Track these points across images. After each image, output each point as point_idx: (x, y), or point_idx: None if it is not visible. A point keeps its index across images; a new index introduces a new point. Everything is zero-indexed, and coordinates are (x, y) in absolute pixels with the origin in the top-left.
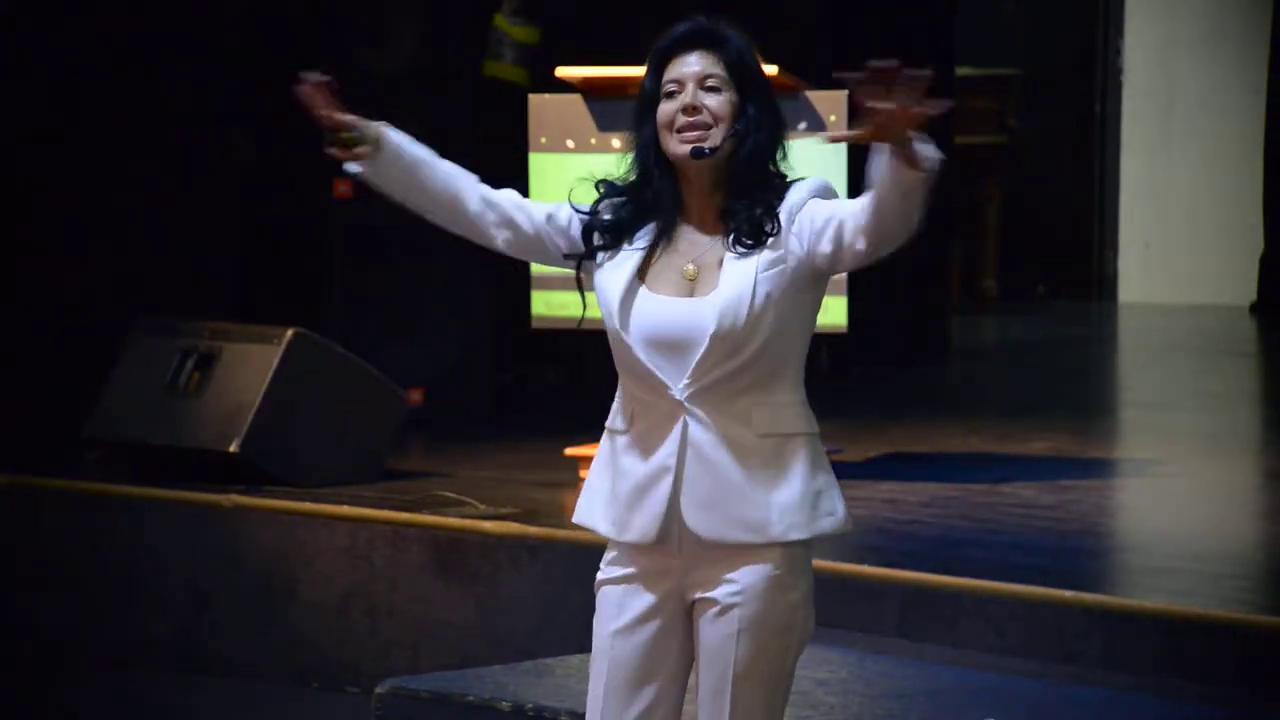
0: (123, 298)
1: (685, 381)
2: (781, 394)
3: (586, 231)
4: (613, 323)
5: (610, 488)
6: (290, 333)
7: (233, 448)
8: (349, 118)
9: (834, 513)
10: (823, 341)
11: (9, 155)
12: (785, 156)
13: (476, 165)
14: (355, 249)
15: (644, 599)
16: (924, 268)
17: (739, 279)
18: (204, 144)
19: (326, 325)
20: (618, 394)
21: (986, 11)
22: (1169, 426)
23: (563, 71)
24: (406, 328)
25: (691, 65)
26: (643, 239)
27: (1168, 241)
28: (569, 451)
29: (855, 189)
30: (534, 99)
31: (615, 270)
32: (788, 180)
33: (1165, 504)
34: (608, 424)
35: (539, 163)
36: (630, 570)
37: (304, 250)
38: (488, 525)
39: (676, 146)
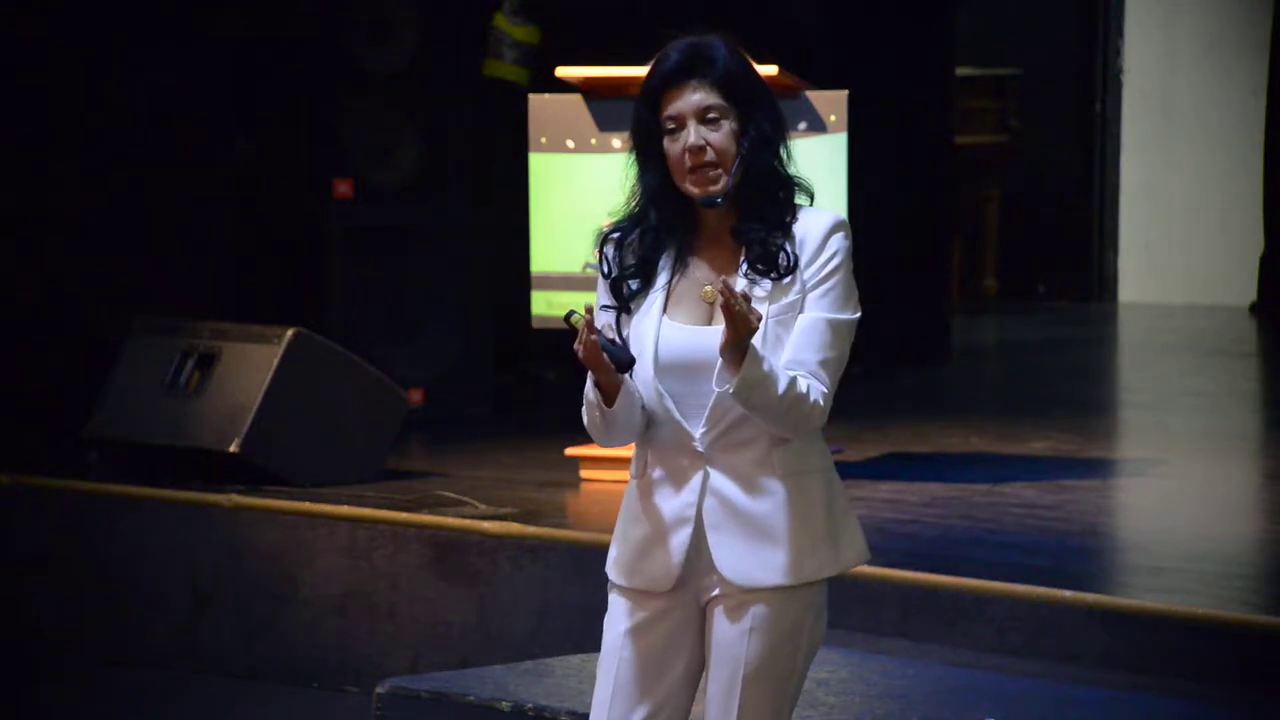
0: (123, 298)
1: (703, 430)
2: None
3: (616, 285)
4: (647, 370)
5: (625, 532)
6: (290, 333)
7: (233, 448)
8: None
9: (855, 545)
10: None
11: (8, 155)
12: (790, 159)
13: (476, 165)
14: (355, 249)
15: (658, 601)
16: (924, 268)
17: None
18: (204, 144)
19: (326, 325)
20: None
21: (986, 11)
22: (1169, 426)
23: (563, 71)
24: (406, 328)
25: (688, 99)
26: (665, 269)
27: (1168, 241)
28: (569, 451)
29: (856, 188)
30: (534, 99)
31: (646, 313)
32: (794, 191)
33: (1165, 504)
34: (630, 469)
35: (539, 163)
36: None
37: (304, 250)
38: (488, 525)
39: (689, 189)
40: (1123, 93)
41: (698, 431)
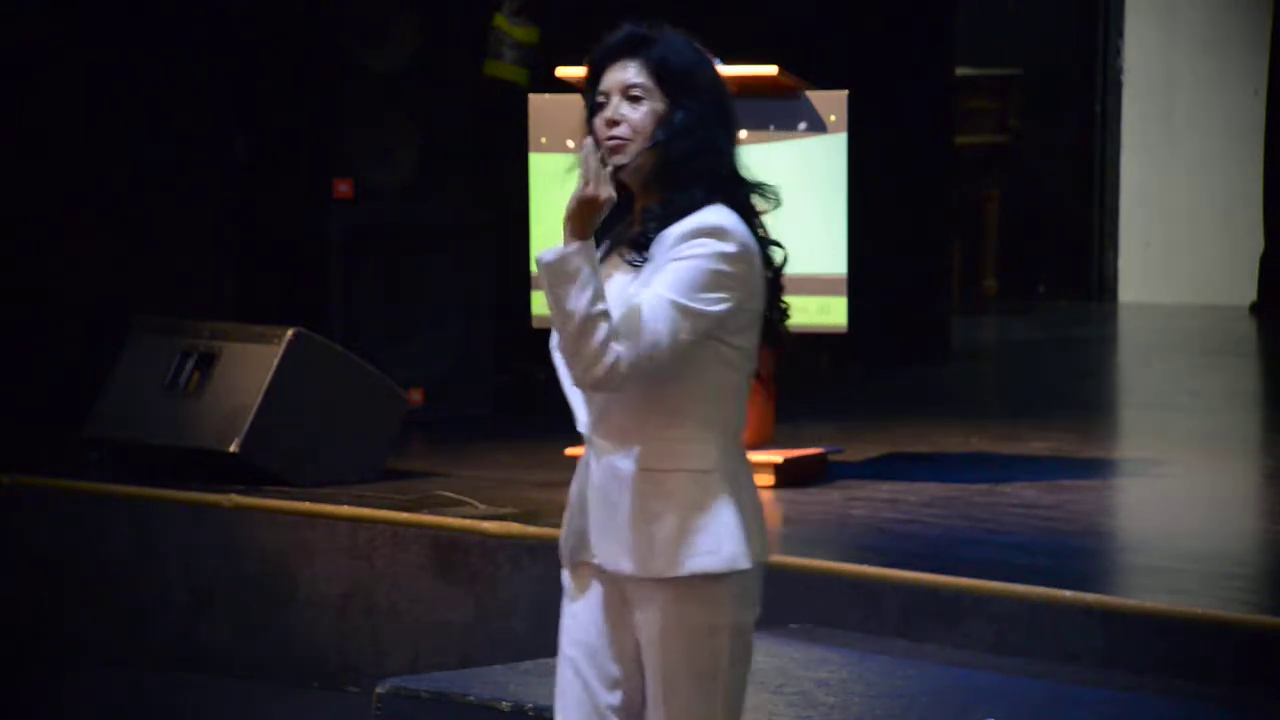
0: (123, 298)
1: (587, 413)
2: (678, 430)
3: None
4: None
5: None
6: (290, 333)
7: (233, 448)
8: None
9: (714, 551)
10: (822, 341)
11: (8, 155)
12: (727, 161)
13: (476, 165)
14: (355, 249)
15: (581, 576)
16: (924, 268)
17: (611, 302)
18: (204, 143)
19: (326, 325)
20: None
21: (986, 11)
22: (1169, 426)
23: (563, 71)
24: (406, 328)
25: (616, 75)
26: (602, 250)
27: (1168, 241)
28: (569, 451)
29: (856, 189)
30: (534, 99)
31: None
32: (720, 191)
33: (1165, 504)
34: None
35: (539, 163)
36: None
37: (304, 250)
38: (488, 525)
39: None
40: (1123, 93)
41: (584, 416)
